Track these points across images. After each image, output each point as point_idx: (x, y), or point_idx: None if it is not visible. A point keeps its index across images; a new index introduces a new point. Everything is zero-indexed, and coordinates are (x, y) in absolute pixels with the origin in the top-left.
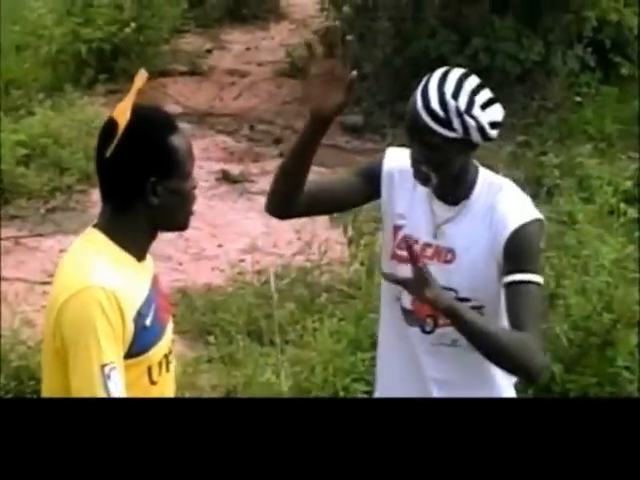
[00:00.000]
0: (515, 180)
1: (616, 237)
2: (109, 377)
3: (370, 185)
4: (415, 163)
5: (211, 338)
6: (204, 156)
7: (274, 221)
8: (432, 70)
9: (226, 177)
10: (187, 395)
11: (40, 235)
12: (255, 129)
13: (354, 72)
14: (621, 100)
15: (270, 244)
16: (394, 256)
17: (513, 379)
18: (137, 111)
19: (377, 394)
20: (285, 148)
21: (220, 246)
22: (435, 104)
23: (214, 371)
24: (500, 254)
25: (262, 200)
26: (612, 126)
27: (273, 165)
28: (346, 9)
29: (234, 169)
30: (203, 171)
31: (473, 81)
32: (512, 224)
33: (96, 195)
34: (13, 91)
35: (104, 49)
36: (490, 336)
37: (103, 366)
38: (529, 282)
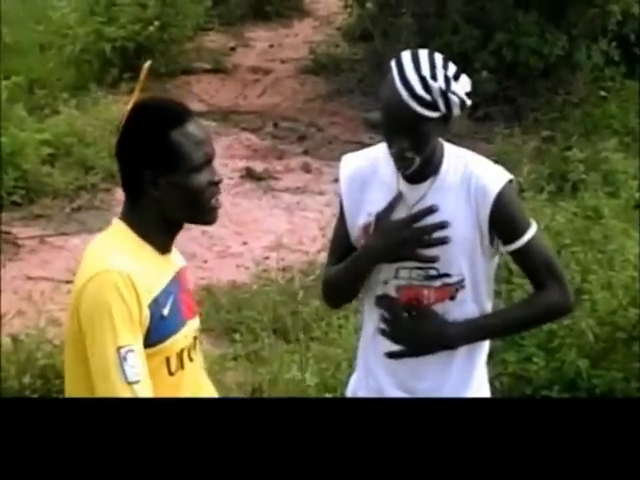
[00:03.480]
0: (540, 175)
1: None
2: (125, 359)
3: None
4: (399, 152)
5: (236, 336)
6: (228, 154)
7: (298, 218)
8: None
9: (250, 174)
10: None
11: (65, 234)
12: (279, 126)
13: None
14: None
15: (295, 241)
16: None
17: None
18: (140, 103)
19: (356, 376)
20: (309, 145)
21: (245, 244)
22: (420, 90)
23: (240, 368)
24: (485, 221)
25: (286, 197)
26: (637, 120)
27: (297, 162)
28: (369, 5)
29: (258, 166)
30: (227, 169)
31: (439, 57)
32: (493, 190)
33: (120, 194)
34: (37, 90)
35: (128, 48)
36: (512, 326)
37: (119, 348)
38: (530, 239)
